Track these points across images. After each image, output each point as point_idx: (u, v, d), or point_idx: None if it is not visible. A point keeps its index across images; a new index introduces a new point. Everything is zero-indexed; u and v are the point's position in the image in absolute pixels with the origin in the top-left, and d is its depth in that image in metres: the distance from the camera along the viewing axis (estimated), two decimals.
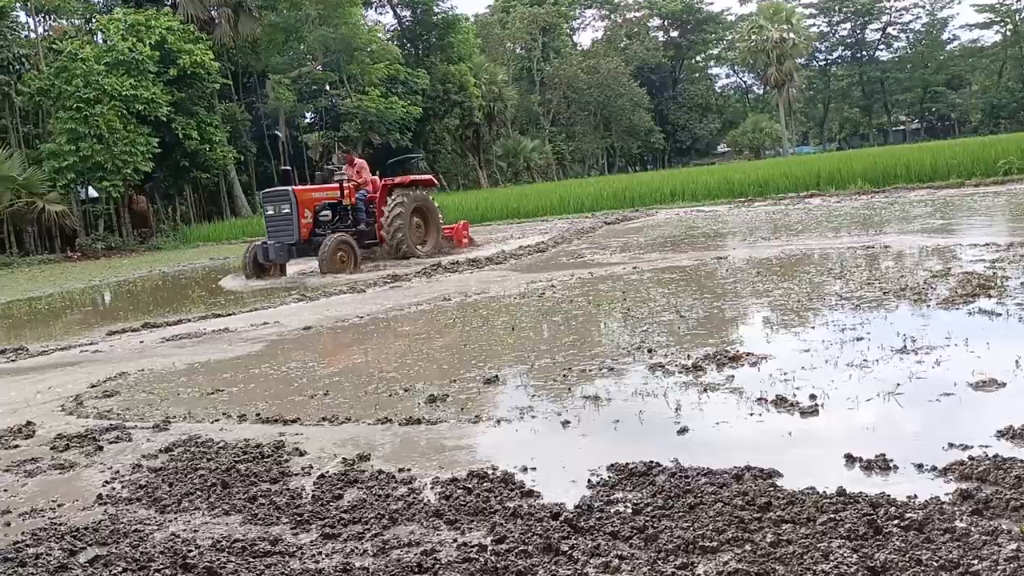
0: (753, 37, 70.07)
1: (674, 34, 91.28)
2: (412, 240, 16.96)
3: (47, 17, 42.32)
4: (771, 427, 4.36)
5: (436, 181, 18.55)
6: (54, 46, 35.73)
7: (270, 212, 16.45)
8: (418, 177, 18.32)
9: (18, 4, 36.79)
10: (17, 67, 33.67)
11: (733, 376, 5.38)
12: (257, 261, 16.28)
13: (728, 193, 27.43)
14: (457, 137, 60.63)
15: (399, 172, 19.92)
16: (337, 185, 16.91)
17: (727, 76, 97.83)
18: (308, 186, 18.26)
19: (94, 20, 41.01)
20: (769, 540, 3.00)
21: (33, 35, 38.97)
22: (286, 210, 16.07)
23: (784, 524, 3.14)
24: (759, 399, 4.79)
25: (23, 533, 3.77)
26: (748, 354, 5.86)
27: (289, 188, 16.49)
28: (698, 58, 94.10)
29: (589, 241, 18.07)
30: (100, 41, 36.63)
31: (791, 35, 69.01)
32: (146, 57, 33.94)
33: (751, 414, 4.60)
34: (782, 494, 3.39)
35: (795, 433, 4.24)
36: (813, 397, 4.71)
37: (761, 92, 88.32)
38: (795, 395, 4.78)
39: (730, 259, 11.97)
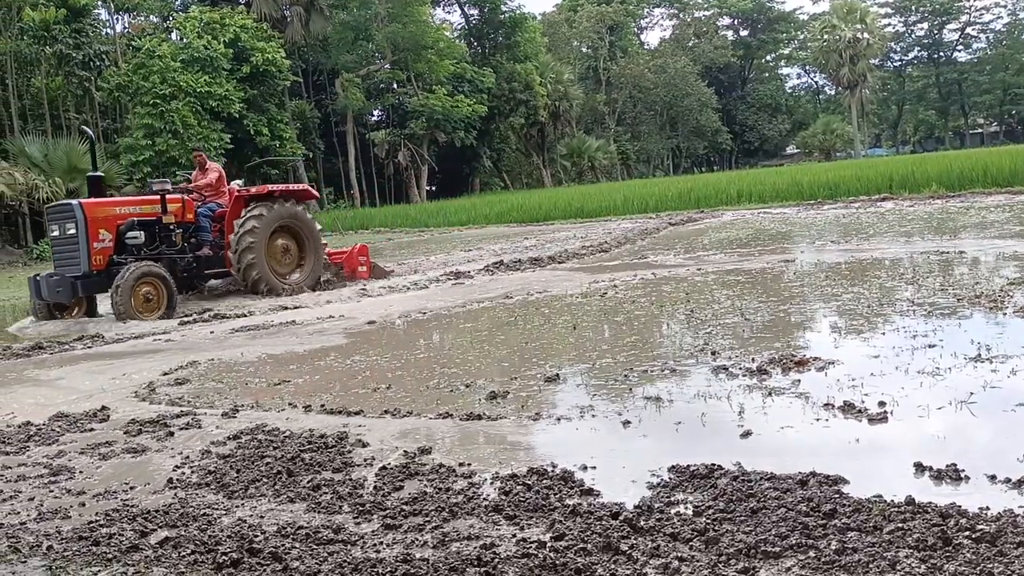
0: (825, 37, 68.77)
1: (744, 33, 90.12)
2: (277, 269, 13.13)
3: (126, 15, 43.60)
4: (838, 433, 4.28)
5: (314, 192, 14.52)
6: (132, 43, 36.83)
7: (55, 233, 12.32)
8: (287, 187, 14.07)
9: (99, 2, 37.98)
10: (97, 63, 34.68)
11: (799, 380, 5.28)
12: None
13: (797, 195, 26.88)
14: (522, 136, 60.78)
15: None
16: (157, 196, 12.53)
17: (798, 76, 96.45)
18: (109, 198, 13.60)
19: (171, 18, 42.15)
20: (834, 547, 2.95)
21: (112, 32, 40.18)
22: (71, 231, 11.87)
23: (850, 532, 3.07)
24: (826, 404, 4.70)
25: (97, 513, 3.90)
26: (815, 359, 5.75)
27: (75, 201, 12.39)
28: (768, 58, 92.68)
29: (653, 242, 17.93)
30: (176, 39, 37.60)
31: (865, 35, 67.57)
32: (220, 55, 34.79)
33: (817, 419, 4.51)
34: (848, 501, 3.32)
35: (863, 440, 4.15)
36: (882, 404, 4.60)
37: (833, 93, 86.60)
38: (863, 401, 4.67)
39: (797, 262, 11.77)
